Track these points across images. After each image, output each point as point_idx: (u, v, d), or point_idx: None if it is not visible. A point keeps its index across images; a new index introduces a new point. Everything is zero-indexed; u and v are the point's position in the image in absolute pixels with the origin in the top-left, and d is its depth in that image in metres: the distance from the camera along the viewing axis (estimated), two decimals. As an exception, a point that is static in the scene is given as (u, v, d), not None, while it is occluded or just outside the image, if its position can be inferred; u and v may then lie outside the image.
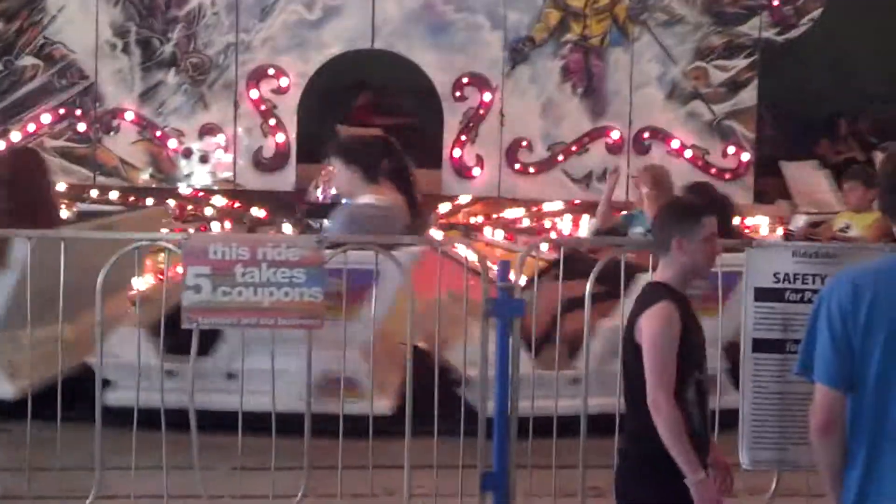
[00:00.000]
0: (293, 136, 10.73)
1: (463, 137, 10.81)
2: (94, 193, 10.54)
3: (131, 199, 10.49)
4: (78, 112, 10.60)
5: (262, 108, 10.69)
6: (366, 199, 6.24)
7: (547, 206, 10.92)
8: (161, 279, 6.35)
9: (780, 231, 10.10)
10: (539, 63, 10.85)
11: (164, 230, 8.16)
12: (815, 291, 4.58)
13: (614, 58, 10.88)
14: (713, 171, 10.90)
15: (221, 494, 5.23)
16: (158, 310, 5.45)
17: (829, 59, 11.92)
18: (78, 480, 5.29)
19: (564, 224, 11.39)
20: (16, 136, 10.50)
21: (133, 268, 5.39)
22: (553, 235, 10.36)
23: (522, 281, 5.30)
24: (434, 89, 10.82)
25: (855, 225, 7.99)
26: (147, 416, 5.13)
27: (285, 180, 10.73)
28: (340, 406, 5.26)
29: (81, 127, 10.61)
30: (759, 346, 4.76)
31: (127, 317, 6.63)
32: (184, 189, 10.74)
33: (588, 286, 5.17)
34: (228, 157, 10.69)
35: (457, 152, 10.80)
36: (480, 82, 10.80)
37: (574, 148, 10.87)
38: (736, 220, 8.01)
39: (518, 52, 10.83)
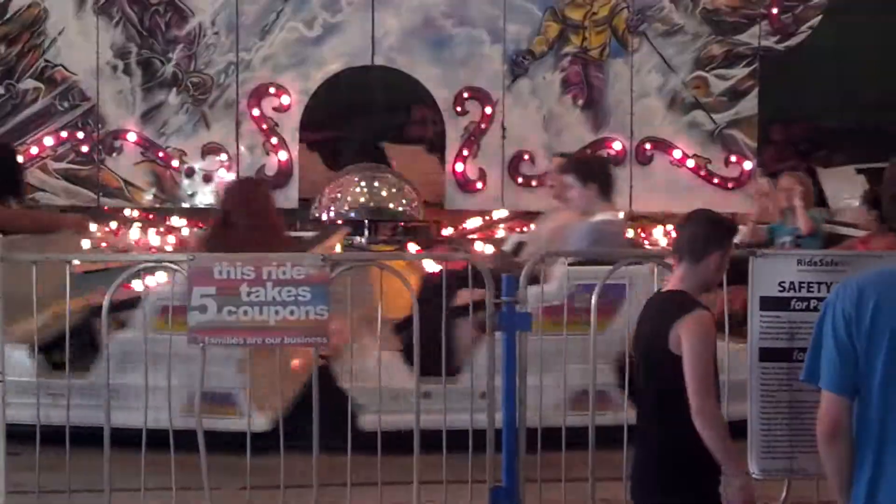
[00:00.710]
0: (295, 153, 10.76)
1: (465, 151, 10.82)
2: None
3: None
4: (80, 134, 10.62)
5: (264, 126, 10.71)
6: (604, 216, 6.42)
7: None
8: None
9: None
10: (539, 76, 10.87)
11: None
12: (820, 299, 4.59)
13: (614, 69, 10.90)
14: (715, 180, 10.91)
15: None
16: None
17: (830, 66, 11.94)
18: (88, 502, 5.30)
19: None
20: (19, 159, 10.50)
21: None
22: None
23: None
24: (435, 103, 10.85)
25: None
26: (155, 438, 5.16)
27: (289, 197, 10.76)
28: (349, 424, 5.28)
29: (84, 149, 10.63)
30: (766, 355, 4.76)
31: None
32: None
33: (594, 297, 5.21)
34: (231, 176, 10.70)
35: (459, 166, 10.81)
36: (481, 96, 10.82)
37: (576, 160, 10.87)
38: None
39: (518, 66, 10.85)
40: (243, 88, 10.69)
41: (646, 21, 10.88)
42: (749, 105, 10.95)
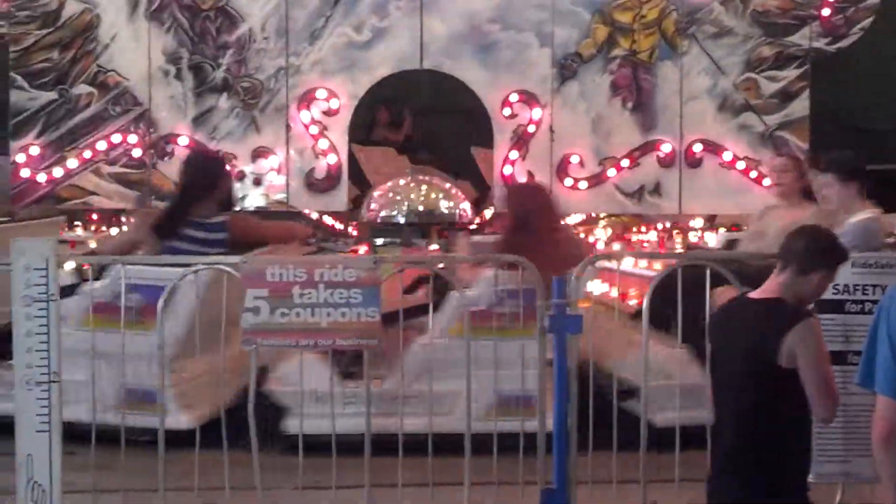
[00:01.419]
0: (344, 156, 10.82)
1: (513, 154, 10.83)
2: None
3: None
4: (132, 138, 10.74)
5: (314, 130, 10.78)
6: (867, 213, 6.31)
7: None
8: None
9: None
10: (588, 78, 10.86)
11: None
12: (874, 302, 4.56)
13: (663, 71, 10.86)
14: (766, 182, 10.82)
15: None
16: None
17: (881, 68, 11.81)
18: (142, 502, 5.36)
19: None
20: (72, 163, 10.68)
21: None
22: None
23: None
24: (483, 107, 10.86)
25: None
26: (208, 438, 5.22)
27: (338, 200, 10.82)
28: (400, 423, 5.31)
29: (136, 152, 10.75)
30: (821, 358, 4.72)
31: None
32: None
33: (645, 301, 5.21)
34: (281, 179, 10.79)
35: (507, 169, 10.82)
36: (529, 99, 10.83)
37: (625, 162, 10.85)
38: None
39: (567, 69, 10.84)
40: (293, 93, 10.77)
41: (695, 23, 10.83)
42: (800, 107, 10.86)
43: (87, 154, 10.72)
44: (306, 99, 10.76)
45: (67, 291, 5.99)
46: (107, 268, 6.10)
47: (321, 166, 10.80)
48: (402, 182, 9.95)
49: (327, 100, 10.76)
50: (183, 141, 10.74)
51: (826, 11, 10.88)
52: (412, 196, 9.78)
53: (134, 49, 10.73)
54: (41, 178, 10.69)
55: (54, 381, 4.33)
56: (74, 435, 5.00)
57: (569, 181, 10.83)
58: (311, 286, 4.97)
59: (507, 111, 10.79)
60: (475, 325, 5.55)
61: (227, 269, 5.26)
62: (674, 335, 5.66)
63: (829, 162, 6.54)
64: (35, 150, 10.69)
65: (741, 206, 10.32)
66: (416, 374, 5.83)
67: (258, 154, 10.79)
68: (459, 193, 10.13)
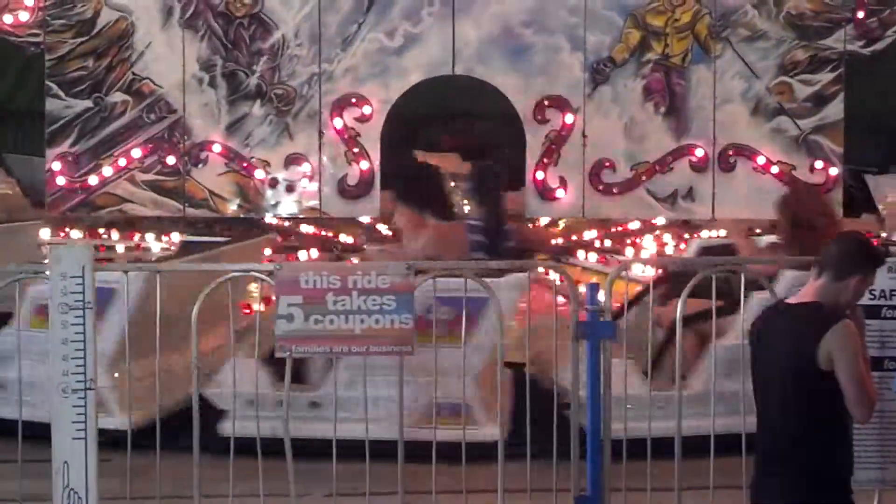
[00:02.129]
0: (377, 163, 10.82)
1: (545, 159, 10.81)
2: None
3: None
4: (167, 146, 10.81)
5: (346, 136, 10.80)
6: None
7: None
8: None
9: None
10: (620, 83, 10.82)
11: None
12: (911, 308, 4.53)
13: (696, 75, 10.81)
14: (801, 186, 10.76)
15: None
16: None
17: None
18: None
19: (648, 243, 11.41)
20: (107, 170, 10.74)
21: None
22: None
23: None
24: (515, 112, 10.85)
25: None
26: (243, 445, 5.23)
27: (370, 207, 10.83)
28: (433, 432, 5.32)
29: (171, 160, 10.81)
30: (857, 364, 4.69)
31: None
32: (269, 219, 10.96)
33: (680, 304, 5.18)
34: (314, 186, 10.81)
35: (539, 174, 10.80)
36: (562, 104, 10.80)
37: (658, 167, 10.81)
38: None
39: (599, 73, 10.82)
40: (326, 99, 10.79)
41: (728, 27, 10.78)
42: (835, 110, 10.78)
43: (122, 162, 10.78)
44: (339, 105, 10.79)
45: None
46: None
47: (353, 173, 10.82)
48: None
49: (360, 105, 10.78)
50: (216, 148, 10.79)
51: (860, 14, 10.80)
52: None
53: (168, 57, 10.78)
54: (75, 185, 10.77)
55: (90, 389, 4.37)
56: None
57: (601, 186, 10.81)
58: (345, 293, 4.98)
59: (538, 116, 10.79)
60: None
61: (260, 275, 5.27)
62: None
63: None
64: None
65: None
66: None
67: (291, 161, 10.81)
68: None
